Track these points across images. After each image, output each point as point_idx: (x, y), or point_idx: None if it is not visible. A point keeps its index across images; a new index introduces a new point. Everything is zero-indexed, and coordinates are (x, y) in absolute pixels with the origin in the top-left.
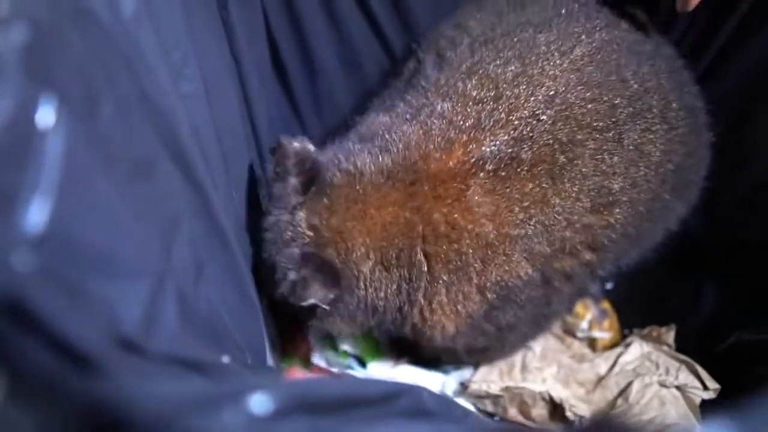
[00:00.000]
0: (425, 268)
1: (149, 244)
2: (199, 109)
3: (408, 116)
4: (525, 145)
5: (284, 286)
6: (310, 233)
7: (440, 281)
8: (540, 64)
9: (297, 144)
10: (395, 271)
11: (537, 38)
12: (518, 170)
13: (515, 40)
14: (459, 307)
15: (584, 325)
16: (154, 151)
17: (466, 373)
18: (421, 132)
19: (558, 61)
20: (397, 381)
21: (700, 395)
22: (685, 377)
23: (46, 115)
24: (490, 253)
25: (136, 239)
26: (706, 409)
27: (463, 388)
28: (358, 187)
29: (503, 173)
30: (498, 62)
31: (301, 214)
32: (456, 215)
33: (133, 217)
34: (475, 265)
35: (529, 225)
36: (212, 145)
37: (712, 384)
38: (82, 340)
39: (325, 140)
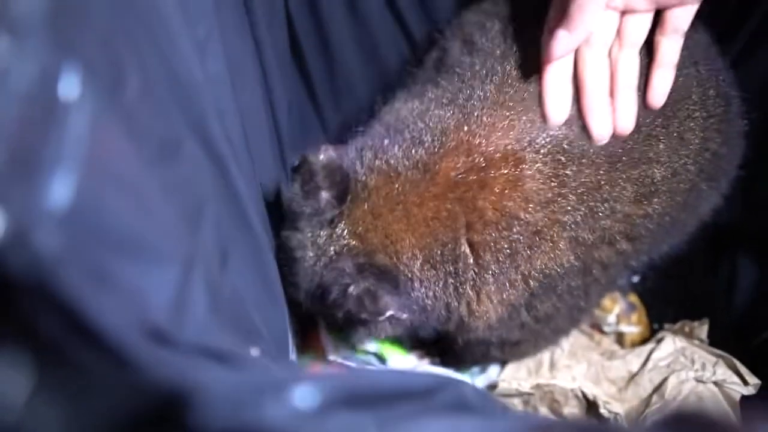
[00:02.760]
0: (471, 260)
1: (177, 227)
2: (223, 90)
3: (445, 100)
4: (584, 129)
5: (349, 302)
6: (356, 243)
7: (490, 271)
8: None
9: (323, 156)
10: (441, 268)
11: None
12: (579, 153)
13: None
14: (504, 295)
15: (611, 318)
16: (180, 131)
17: (492, 374)
18: (460, 115)
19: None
20: (439, 374)
21: (739, 391)
22: (723, 372)
23: (70, 85)
24: (538, 239)
25: (164, 221)
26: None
27: (491, 389)
28: (396, 185)
29: (562, 158)
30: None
31: (342, 226)
32: (507, 202)
33: (161, 198)
34: (524, 252)
35: (579, 212)
36: (236, 128)
37: (752, 379)
38: (111, 328)
39: (344, 127)
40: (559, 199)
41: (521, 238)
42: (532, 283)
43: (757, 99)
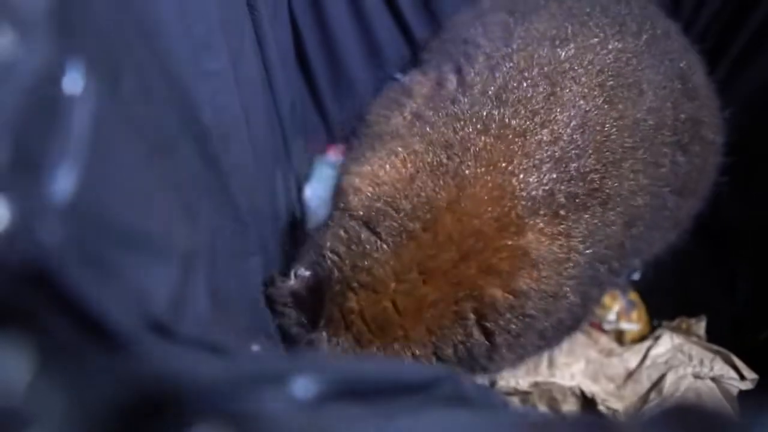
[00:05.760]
0: (486, 342)
1: (178, 222)
2: (225, 87)
3: (431, 160)
4: (575, 176)
5: None
6: None
7: (503, 347)
8: (567, 83)
9: (292, 282)
10: (453, 358)
11: (556, 53)
12: (575, 203)
13: (535, 57)
14: (520, 351)
15: (611, 316)
16: (175, 129)
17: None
18: (452, 185)
19: (583, 79)
20: (438, 367)
21: (736, 386)
22: (720, 368)
23: (73, 80)
24: (553, 300)
25: (164, 217)
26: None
27: (491, 386)
28: (385, 304)
29: (562, 212)
30: (525, 84)
31: (325, 349)
32: (518, 280)
33: (160, 193)
34: (541, 318)
35: (585, 257)
36: (238, 125)
37: (750, 374)
38: (112, 319)
39: (346, 124)
40: (570, 254)
41: (536, 310)
42: (547, 334)
43: (758, 98)
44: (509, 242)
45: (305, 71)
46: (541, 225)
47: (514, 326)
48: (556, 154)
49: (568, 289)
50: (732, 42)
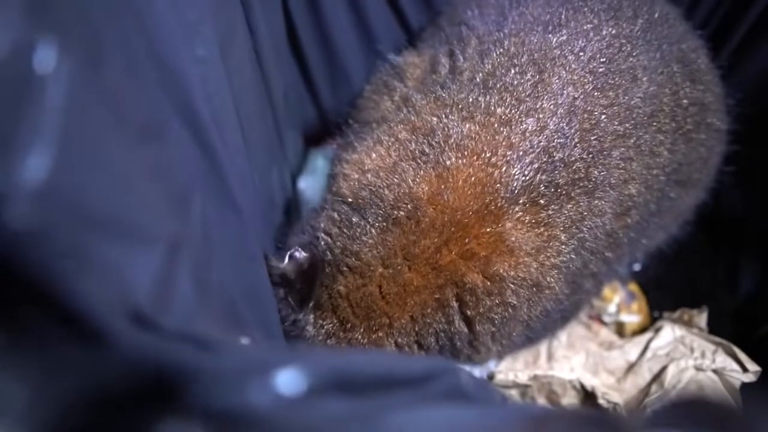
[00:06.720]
0: (466, 330)
1: (162, 209)
2: (214, 74)
3: (414, 149)
4: (559, 166)
5: None
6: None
7: (487, 335)
8: (556, 71)
9: (284, 264)
10: (435, 346)
11: (548, 39)
12: (557, 192)
13: (526, 42)
14: (504, 341)
15: (612, 308)
16: (165, 114)
17: (490, 364)
18: (433, 176)
19: (573, 66)
20: (435, 360)
21: (739, 378)
22: (723, 360)
23: (45, 59)
24: (535, 290)
25: (147, 203)
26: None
27: (489, 379)
28: (370, 288)
29: (542, 201)
30: (513, 72)
31: (310, 330)
32: (496, 267)
33: (145, 179)
34: (523, 308)
35: (570, 247)
36: (229, 113)
37: (752, 366)
38: (88, 310)
39: (340, 112)
40: (550, 243)
41: (516, 298)
42: (532, 324)
43: (760, 88)
44: (488, 229)
45: (299, 60)
46: (520, 213)
47: (495, 315)
48: (541, 143)
49: (551, 279)
50: (733, 31)
